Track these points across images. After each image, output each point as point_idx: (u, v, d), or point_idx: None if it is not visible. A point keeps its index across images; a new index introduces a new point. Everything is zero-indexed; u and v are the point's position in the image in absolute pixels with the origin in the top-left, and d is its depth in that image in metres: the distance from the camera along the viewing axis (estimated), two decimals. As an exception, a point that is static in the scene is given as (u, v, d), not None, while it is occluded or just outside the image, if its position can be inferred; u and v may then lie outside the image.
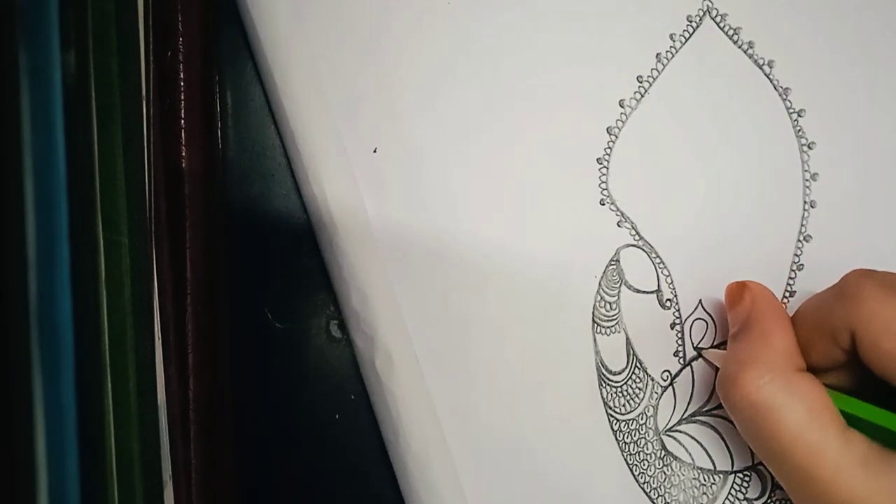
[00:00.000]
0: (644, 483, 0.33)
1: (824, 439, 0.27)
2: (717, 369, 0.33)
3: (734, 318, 0.32)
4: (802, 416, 0.27)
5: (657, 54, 0.34)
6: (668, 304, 0.34)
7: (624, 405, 0.33)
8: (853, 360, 0.29)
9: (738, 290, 0.32)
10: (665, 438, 0.33)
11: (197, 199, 0.32)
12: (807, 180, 0.34)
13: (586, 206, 0.34)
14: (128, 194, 0.28)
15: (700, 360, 0.34)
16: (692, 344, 0.34)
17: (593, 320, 0.33)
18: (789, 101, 0.35)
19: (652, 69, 0.34)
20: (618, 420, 0.33)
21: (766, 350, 0.29)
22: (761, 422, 0.28)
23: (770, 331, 0.30)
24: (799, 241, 0.34)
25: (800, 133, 0.35)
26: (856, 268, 0.29)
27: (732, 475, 0.33)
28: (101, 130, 0.28)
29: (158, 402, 0.29)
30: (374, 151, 0.33)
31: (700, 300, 0.34)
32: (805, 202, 0.34)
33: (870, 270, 0.29)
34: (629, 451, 0.33)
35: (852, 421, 0.28)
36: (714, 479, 0.33)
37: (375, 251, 0.33)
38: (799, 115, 0.35)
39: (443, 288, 0.33)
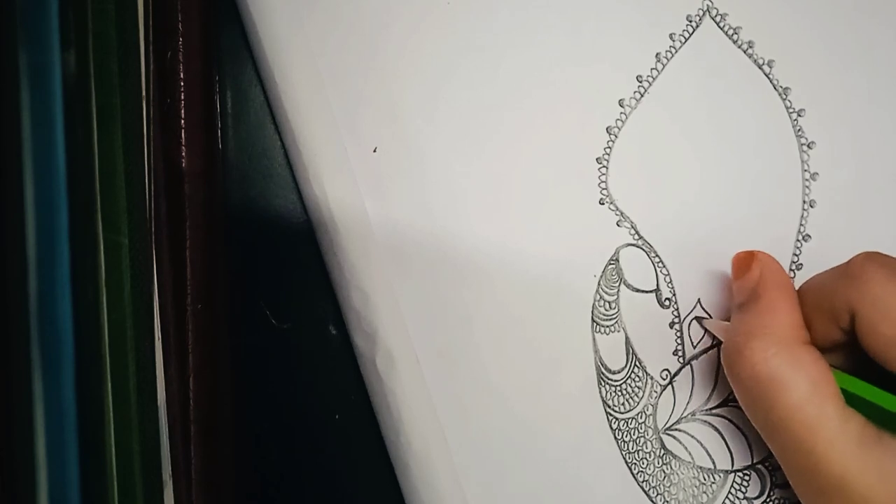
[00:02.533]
0: (643, 482, 0.33)
1: (823, 414, 0.27)
2: (718, 349, 0.33)
3: (740, 287, 0.31)
4: (805, 389, 0.28)
5: (657, 54, 0.34)
6: (667, 303, 0.34)
7: (623, 404, 0.33)
8: (851, 341, 0.29)
9: (747, 260, 0.32)
10: (664, 437, 0.33)
11: (197, 199, 0.32)
12: (806, 180, 0.34)
13: (586, 205, 0.34)
14: (128, 194, 0.28)
15: (699, 359, 0.34)
16: (691, 343, 0.34)
17: (593, 319, 0.33)
18: (789, 100, 0.35)
19: (651, 69, 0.34)
20: (617, 419, 0.33)
21: (773, 322, 0.29)
22: (763, 392, 0.28)
23: (777, 303, 0.30)
24: (798, 240, 0.34)
25: (800, 133, 0.35)
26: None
27: (732, 474, 0.33)
28: (101, 130, 0.28)
29: (158, 402, 0.29)
30: (374, 151, 0.33)
31: (699, 299, 0.34)
32: (804, 202, 0.34)
33: (877, 253, 0.29)
34: (628, 449, 0.33)
35: (850, 399, 0.28)
36: (714, 478, 0.33)
37: (375, 251, 0.33)
38: (799, 115, 0.35)
39: (443, 287, 0.33)
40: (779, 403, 0.28)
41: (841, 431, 0.27)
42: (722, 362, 0.30)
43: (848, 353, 0.30)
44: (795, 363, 0.28)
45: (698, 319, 0.34)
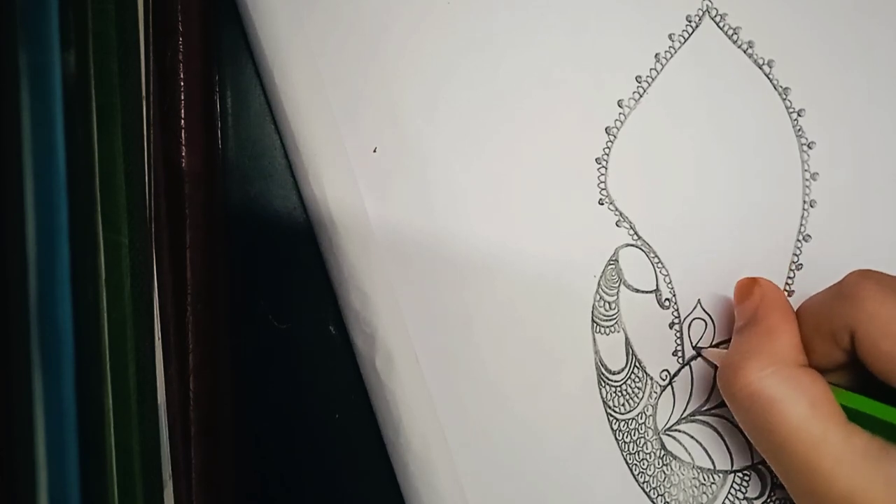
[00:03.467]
0: (643, 482, 0.33)
1: (826, 432, 0.27)
2: (716, 368, 0.33)
3: (742, 312, 0.32)
4: (804, 408, 0.28)
5: (656, 54, 0.34)
6: (666, 303, 0.34)
7: (623, 405, 0.33)
8: (853, 360, 0.29)
9: (749, 286, 0.32)
10: (664, 438, 0.33)
11: (197, 199, 0.32)
12: (807, 180, 0.34)
13: (585, 205, 0.34)
14: (128, 194, 0.28)
15: (699, 359, 0.34)
16: (691, 343, 0.34)
17: (592, 320, 0.33)
18: (789, 100, 0.35)
19: (651, 69, 0.34)
20: (617, 419, 0.33)
21: (771, 344, 0.29)
22: (761, 413, 0.28)
23: (776, 326, 0.30)
24: (798, 240, 0.34)
25: (800, 133, 0.35)
26: (855, 268, 0.29)
27: (732, 474, 0.33)
28: (101, 130, 0.28)
29: (158, 402, 0.29)
30: (374, 151, 0.33)
31: (699, 300, 0.34)
32: (805, 202, 0.34)
33: (869, 271, 0.29)
34: (628, 450, 0.33)
35: (853, 416, 0.28)
36: (713, 479, 0.33)
37: (375, 251, 0.33)
38: (799, 115, 0.35)
39: (443, 287, 0.33)
40: (780, 424, 0.28)
41: (846, 447, 0.27)
42: (717, 383, 0.30)
43: (851, 372, 0.29)
44: (792, 382, 0.28)
45: (698, 350, 0.34)
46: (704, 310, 0.34)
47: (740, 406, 0.29)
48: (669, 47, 0.34)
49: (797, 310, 0.31)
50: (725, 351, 0.32)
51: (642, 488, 0.33)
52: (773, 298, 0.31)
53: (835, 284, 0.29)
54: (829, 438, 0.27)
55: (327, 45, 0.33)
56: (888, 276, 0.29)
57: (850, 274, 0.29)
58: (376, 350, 0.33)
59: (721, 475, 0.33)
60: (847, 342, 0.28)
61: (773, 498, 0.33)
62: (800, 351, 0.29)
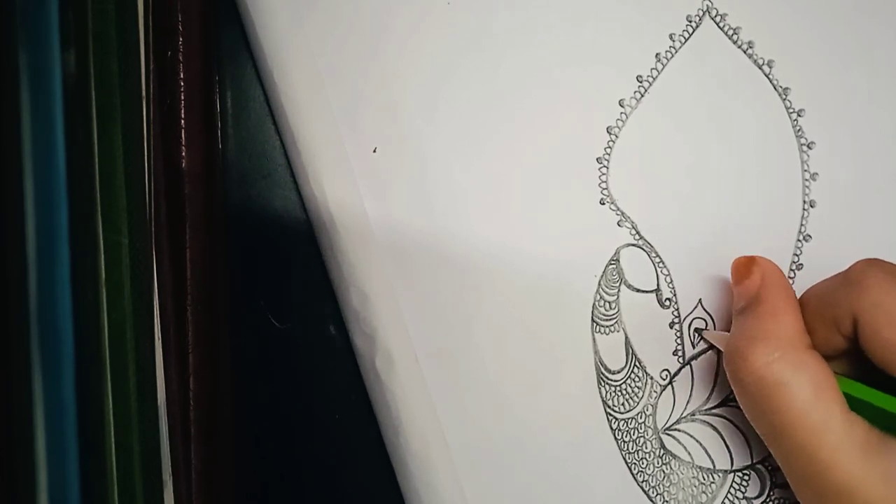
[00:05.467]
0: (643, 482, 0.33)
1: (828, 419, 0.27)
2: (718, 351, 0.33)
3: (741, 293, 0.31)
4: (809, 394, 0.28)
5: (657, 54, 0.34)
6: (667, 303, 0.34)
7: (623, 404, 0.33)
8: (854, 348, 0.29)
9: (747, 265, 0.32)
10: (664, 437, 0.33)
11: (197, 199, 0.32)
12: (806, 180, 0.34)
13: (586, 205, 0.34)
14: (128, 194, 0.28)
15: (699, 359, 0.34)
16: (691, 343, 0.34)
17: (593, 319, 0.33)
18: (789, 100, 0.35)
19: (651, 69, 0.34)
20: (617, 419, 0.33)
21: (776, 326, 0.29)
22: (767, 397, 0.28)
23: (780, 307, 0.30)
24: (798, 240, 0.34)
25: (799, 133, 0.35)
26: None
27: (731, 474, 0.33)
28: (101, 130, 0.28)
29: (158, 402, 0.29)
30: (374, 151, 0.33)
31: (699, 299, 0.34)
32: (805, 202, 0.34)
33: (876, 260, 0.29)
34: (628, 449, 0.33)
35: (853, 404, 0.28)
36: (713, 478, 0.33)
37: (375, 251, 0.33)
38: (799, 115, 0.35)
39: (443, 287, 0.33)
40: (783, 408, 0.28)
41: (846, 437, 0.27)
42: (724, 367, 0.30)
43: (851, 360, 0.30)
44: (799, 367, 0.28)
45: (699, 331, 0.34)
46: (705, 309, 0.34)
47: (746, 390, 0.29)
48: (670, 47, 0.34)
49: (801, 296, 0.31)
50: (728, 334, 0.32)
51: (641, 488, 0.33)
52: (773, 278, 0.31)
53: (841, 272, 0.29)
54: (831, 426, 0.27)
55: (327, 45, 0.33)
56: (895, 265, 0.29)
57: (858, 262, 0.29)
58: (376, 350, 0.33)
59: (721, 475, 0.33)
60: (849, 329, 0.28)
61: (773, 498, 0.33)
62: (803, 332, 0.29)
